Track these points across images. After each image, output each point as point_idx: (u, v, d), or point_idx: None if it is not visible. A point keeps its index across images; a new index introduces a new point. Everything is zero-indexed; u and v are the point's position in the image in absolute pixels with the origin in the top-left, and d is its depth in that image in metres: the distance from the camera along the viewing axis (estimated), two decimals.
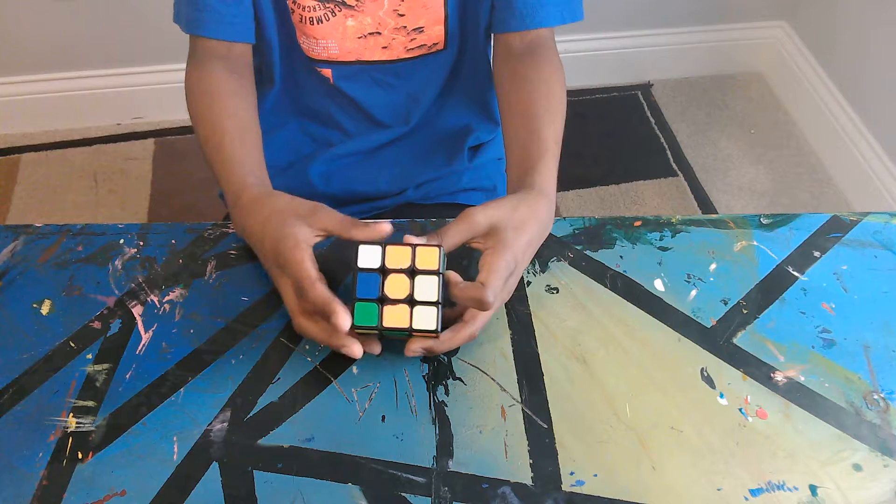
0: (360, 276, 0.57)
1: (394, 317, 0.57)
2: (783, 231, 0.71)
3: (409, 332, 0.57)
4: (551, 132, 0.70)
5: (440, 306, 0.57)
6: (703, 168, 1.83)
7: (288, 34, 0.82)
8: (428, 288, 0.57)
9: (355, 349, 0.57)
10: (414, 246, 0.58)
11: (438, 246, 0.58)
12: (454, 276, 0.59)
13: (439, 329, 0.57)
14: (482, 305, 0.56)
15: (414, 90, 0.87)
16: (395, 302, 0.57)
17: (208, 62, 0.76)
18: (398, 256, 0.57)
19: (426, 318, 0.57)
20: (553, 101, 0.73)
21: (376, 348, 0.60)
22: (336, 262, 0.67)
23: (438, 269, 0.57)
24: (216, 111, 0.72)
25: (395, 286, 0.57)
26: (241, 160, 0.69)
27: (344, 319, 0.55)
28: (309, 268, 0.57)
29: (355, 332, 0.58)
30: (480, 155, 0.94)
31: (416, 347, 0.58)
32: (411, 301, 0.57)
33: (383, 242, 0.58)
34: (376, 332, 0.58)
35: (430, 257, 0.57)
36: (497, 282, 0.57)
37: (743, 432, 0.58)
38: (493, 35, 0.83)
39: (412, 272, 0.57)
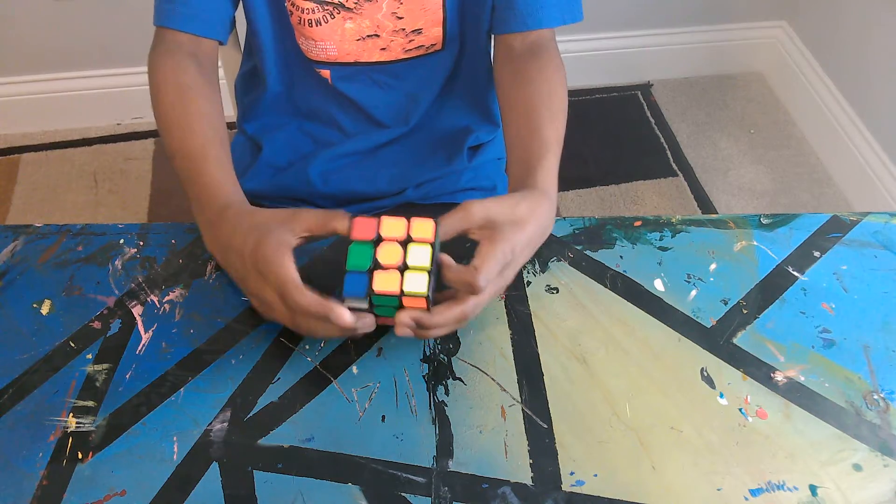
0: (353, 246, 0.57)
1: (384, 281, 0.56)
2: (783, 231, 0.71)
3: (400, 302, 0.57)
4: (553, 131, 0.70)
5: (431, 273, 0.57)
6: (703, 168, 1.83)
7: (284, 36, 0.82)
8: (420, 255, 0.57)
9: (369, 321, 0.57)
10: (409, 217, 0.58)
11: (434, 220, 0.58)
12: (447, 259, 0.58)
13: (430, 294, 0.56)
14: (473, 289, 0.56)
15: (413, 90, 0.87)
16: (387, 268, 0.57)
17: (180, 57, 0.73)
18: (393, 228, 0.57)
19: (416, 282, 0.56)
20: (555, 101, 0.73)
21: (370, 321, 0.58)
22: (336, 263, 0.67)
23: (432, 240, 0.57)
24: (199, 116, 0.69)
25: (388, 253, 0.57)
26: (230, 169, 0.67)
27: (343, 314, 0.55)
28: (291, 270, 0.56)
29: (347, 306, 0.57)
30: (480, 155, 0.94)
31: (405, 318, 0.57)
32: (403, 268, 0.57)
33: (379, 214, 0.58)
34: (366, 304, 0.57)
35: (424, 229, 0.57)
36: (490, 268, 0.57)
37: (743, 432, 0.58)
38: (493, 36, 0.83)
39: (406, 242, 0.57)
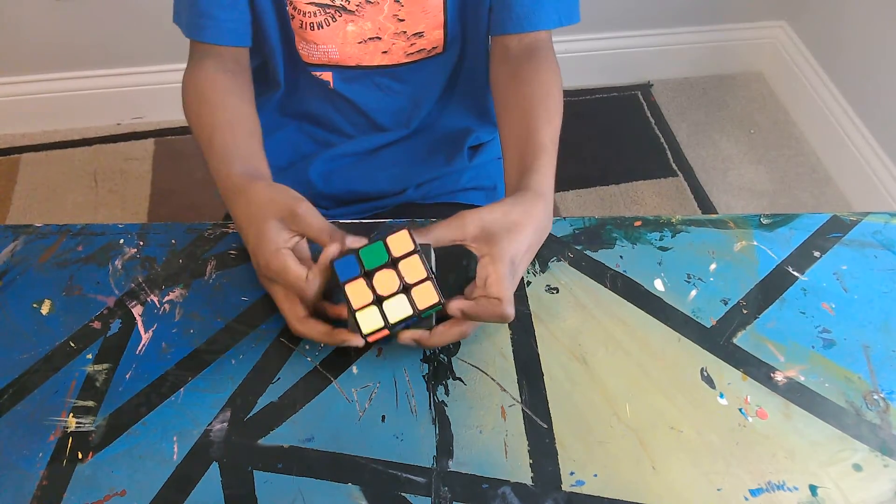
0: (346, 288, 0.58)
1: (396, 310, 0.57)
2: (783, 231, 0.71)
3: (419, 316, 0.57)
4: (548, 132, 0.70)
5: (433, 279, 0.57)
6: (703, 168, 1.83)
7: (287, 39, 0.82)
8: (414, 269, 0.57)
9: (356, 339, 0.58)
10: (384, 239, 0.58)
11: (405, 228, 0.58)
12: (465, 302, 0.58)
13: (443, 299, 0.57)
14: (504, 318, 0.57)
15: (414, 94, 0.87)
16: (391, 296, 0.57)
17: (202, 62, 0.76)
18: (374, 255, 0.58)
19: (426, 296, 0.57)
20: (550, 102, 0.73)
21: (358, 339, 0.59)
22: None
23: (415, 248, 0.57)
24: (208, 108, 0.72)
25: (385, 282, 0.57)
26: (231, 149, 0.68)
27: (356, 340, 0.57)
28: (294, 270, 0.57)
29: (369, 339, 0.58)
30: (480, 154, 0.94)
31: (406, 338, 0.59)
32: (405, 288, 0.57)
33: (355, 250, 0.58)
34: (387, 330, 0.57)
35: (402, 243, 0.58)
36: (508, 292, 0.57)
37: (743, 432, 0.58)
38: (490, 37, 0.83)
39: (393, 263, 0.58)
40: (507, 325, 0.63)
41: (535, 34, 0.79)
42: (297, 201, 0.59)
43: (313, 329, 0.59)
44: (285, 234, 0.59)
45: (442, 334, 0.59)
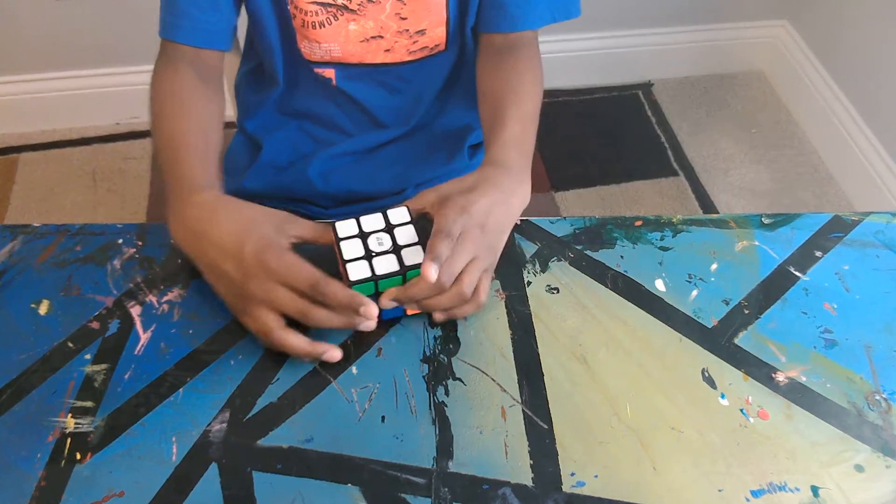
0: (342, 244, 0.61)
1: (385, 265, 0.60)
2: (785, 231, 0.71)
3: (403, 276, 0.60)
4: (513, 112, 0.72)
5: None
6: (704, 168, 1.82)
7: (288, 38, 0.82)
8: (407, 234, 0.61)
9: (336, 353, 0.59)
10: (384, 210, 0.63)
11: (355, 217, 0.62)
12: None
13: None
14: (444, 231, 0.59)
15: (417, 91, 0.87)
16: (382, 254, 0.60)
17: (180, 64, 0.75)
18: (372, 222, 0.62)
19: (414, 255, 0.60)
20: (521, 88, 0.75)
21: (337, 354, 0.60)
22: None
23: (410, 220, 0.62)
24: (184, 112, 0.71)
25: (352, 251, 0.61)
26: (207, 159, 0.67)
27: (373, 309, 0.58)
28: (311, 267, 0.58)
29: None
30: (480, 153, 0.94)
31: (384, 300, 0.60)
32: (396, 249, 0.60)
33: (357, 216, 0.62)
34: (373, 282, 0.60)
35: (348, 226, 0.62)
36: (446, 220, 0.59)
37: (744, 433, 0.58)
38: (479, 32, 0.83)
39: (390, 229, 0.61)
40: (507, 324, 0.63)
41: (521, 32, 0.79)
42: (287, 213, 0.63)
43: (297, 339, 0.58)
44: (283, 240, 0.60)
45: (413, 286, 0.59)
